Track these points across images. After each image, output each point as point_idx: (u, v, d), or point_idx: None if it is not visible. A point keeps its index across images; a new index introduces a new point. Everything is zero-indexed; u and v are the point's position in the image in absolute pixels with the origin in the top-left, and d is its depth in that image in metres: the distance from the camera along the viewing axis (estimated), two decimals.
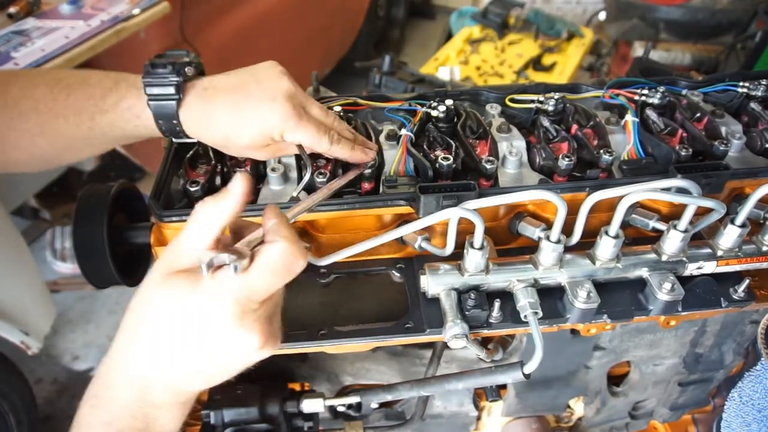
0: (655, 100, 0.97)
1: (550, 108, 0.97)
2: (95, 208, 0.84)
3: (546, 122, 0.96)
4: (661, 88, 0.99)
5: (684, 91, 1.04)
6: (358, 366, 1.13)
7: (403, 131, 0.91)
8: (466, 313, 0.78)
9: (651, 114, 0.96)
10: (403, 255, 0.90)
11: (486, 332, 0.82)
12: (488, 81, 2.90)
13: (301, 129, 0.77)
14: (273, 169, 0.87)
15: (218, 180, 0.88)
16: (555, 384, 1.13)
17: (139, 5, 1.98)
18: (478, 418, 1.25)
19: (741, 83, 1.03)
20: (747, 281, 0.83)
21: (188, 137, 0.80)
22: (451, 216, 0.74)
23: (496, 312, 0.79)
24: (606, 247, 0.78)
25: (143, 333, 0.55)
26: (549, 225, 0.81)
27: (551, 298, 0.82)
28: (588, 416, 1.27)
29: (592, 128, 0.94)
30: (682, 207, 0.76)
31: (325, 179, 0.83)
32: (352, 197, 0.84)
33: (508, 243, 0.91)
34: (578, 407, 1.28)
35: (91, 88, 0.77)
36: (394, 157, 0.88)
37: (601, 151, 0.87)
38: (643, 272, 0.81)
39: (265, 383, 1.05)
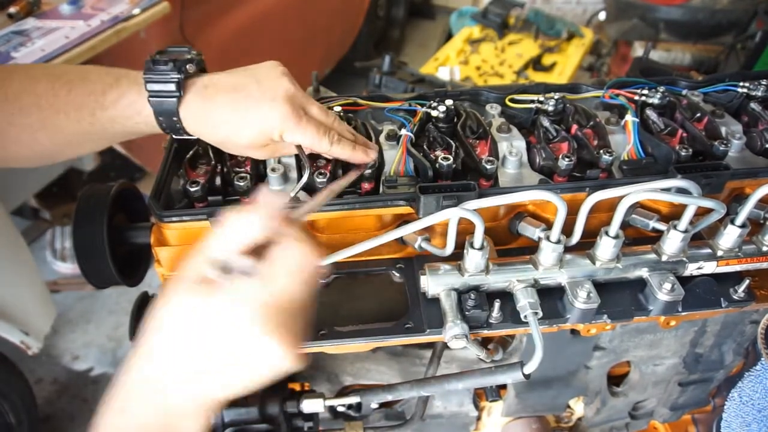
0: (655, 100, 0.97)
1: (550, 108, 0.97)
2: (95, 208, 0.84)
3: (546, 122, 0.96)
4: (661, 88, 0.99)
5: (684, 91, 1.04)
6: (358, 366, 1.13)
7: (403, 131, 0.91)
8: (466, 313, 0.78)
9: (651, 114, 0.96)
10: (403, 255, 0.90)
11: (486, 332, 0.82)
12: (488, 81, 2.90)
13: (300, 130, 0.77)
14: (273, 169, 0.87)
15: (218, 180, 0.88)
16: (555, 384, 1.13)
17: (139, 5, 1.98)
18: (478, 418, 1.25)
19: (741, 83, 1.03)
20: (747, 281, 0.83)
21: (188, 134, 0.80)
22: (451, 216, 0.74)
23: (496, 312, 0.79)
24: (606, 247, 0.78)
25: (165, 343, 0.54)
26: (549, 225, 0.81)
27: (551, 298, 0.82)
28: (588, 416, 1.27)
29: (592, 128, 0.94)
30: (682, 207, 0.76)
31: (325, 179, 0.83)
32: (352, 197, 0.84)
33: (508, 243, 0.91)
34: (578, 407, 1.28)
35: (92, 83, 0.76)
36: (394, 157, 0.88)
37: (601, 151, 0.87)
38: (643, 272, 0.81)
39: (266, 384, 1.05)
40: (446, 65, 2.92)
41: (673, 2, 3.11)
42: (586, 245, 0.81)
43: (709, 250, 0.82)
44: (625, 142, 0.93)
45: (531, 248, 0.83)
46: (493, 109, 1.01)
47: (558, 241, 0.77)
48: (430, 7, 5.47)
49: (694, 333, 1.09)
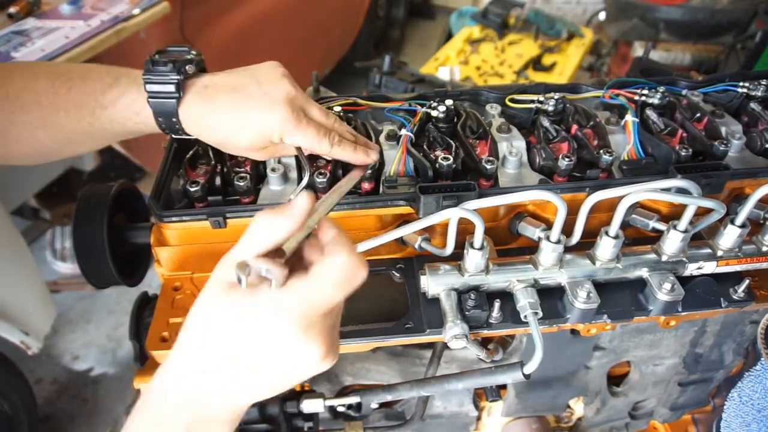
0: (655, 100, 0.97)
1: (550, 108, 0.97)
2: (95, 208, 0.84)
3: (546, 122, 0.96)
4: (661, 88, 0.99)
5: (684, 91, 1.04)
6: (358, 366, 1.13)
7: (403, 131, 0.91)
8: (466, 313, 0.78)
9: (651, 114, 0.96)
10: (403, 255, 0.90)
11: (486, 332, 0.82)
12: (488, 81, 2.90)
13: (300, 132, 0.77)
14: (273, 170, 0.87)
15: (218, 180, 0.88)
16: (555, 384, 1.13)
17: (139, 5, 1.98)
18: (478, 418, 1.25)
19: (741, 83, 1.03)
20: (747, 281, 0.83)
21: (188, 135, 0.79)
22: (451, 216, 0.74)
23: (496, 312, 0.79)
24: (606, 247, 0.78)
25: (201, 347, 0.54)
26: (549, 225, 0.81)
27: (551, 298, 0.82)
28: (588, 416, 1.27)
29: (592, 128, 0.94)
30: (682, 207, 0.76)
31: (325, 179, 0.83)
32: (352, 197, 0.84)
33: (508, 243, 0.91)
34: (578, 407, 1.28)
35: (92, 82, 0.76)
36: (394, 158, 0.88)
37: (601, 151, 0.87)
38: (643, 272, 0.81)
39: None
40: (446, 65, 2.92)
41: (673, 2, 3.11)
42: (586, 245, 0.81)
43: (709, 250, 0.82)
44: (625, 142, 0.93)
45: (531, 248, 0.83)
46: (493, 109, 1.01)
47: (558, 241, 0.77)
48: (430, 7, 5.47)
49: (694, 333, 1.09)
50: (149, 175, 2.78)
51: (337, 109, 0.97)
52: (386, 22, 4.64)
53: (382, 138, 0.92)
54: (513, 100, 1.01)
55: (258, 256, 0.52)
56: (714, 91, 1.04)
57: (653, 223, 0.85)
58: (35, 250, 2.79)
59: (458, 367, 1.11)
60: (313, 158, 0.87)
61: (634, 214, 0.87)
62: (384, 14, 4.53)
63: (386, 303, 0.92)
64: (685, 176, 0.79)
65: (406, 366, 1.13)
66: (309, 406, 1.01)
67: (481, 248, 0.76)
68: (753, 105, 0.99)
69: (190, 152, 0.90)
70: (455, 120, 0.96)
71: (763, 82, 1.02)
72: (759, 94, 1.01)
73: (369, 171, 0.85)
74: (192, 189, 0.83)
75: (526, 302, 0.78)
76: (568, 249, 0.79)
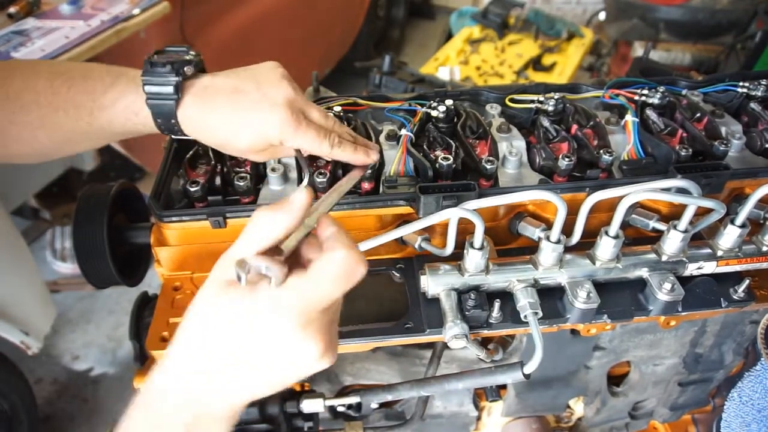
0: (655, 100, 0.97)
1: (550, 108, 0.97)
2: (95, 208, 0.84)
3: (546, 122, 0.96)
4: (661, 88, 0.99)
5: (684, 91, 1.04)
6: (358, 366, 1.13)
7: (403, 131, 0.91)
8: (466, 313, 0.78)
9: (651, 114, 0.96)
10: (403, 255, 0.90)
11: (486, 332, 0.82)
12: (488, 81, 2.90)
13: (300, 135, 0.77)
14: (273, 169, 0.87)
15: (218, 180, 0.88)
16: (555, 384, 1.13)
17: (139, 5, 1.98)
18: (478, 418, 1.25)
19: (741, 83, 1.03)
20: (747, 281, 0.83)
21: (187, 135, 0.79)
22: (451, 216, 0.74)
23: (496, 312, 0.79)
24: (606, 247, 0.78)
25: (201, 346, 0.54)
26: (549, 225, 0.81)
27: (551, 298, 0.82)
28: (588, 416, 1.27)
29: (592, 128, 0.94)
30: (682, 207, 0.76)
31: (325, 179, 0.83)
32: (352, 197, 0.84)
33: (508, 243, 0.91)
34: (578, 407, 1.28)
35: (91, 82, 0.76)
36: (394, 157, 0.88)
37: (601, 151, 0.87)
38: (643, 272, 0.81)
39: None
40: (446, 65, 2.92)
41: (673, 2, 3.11)
42: (586, 245, 0.81)
43: (709, 250, 0.82)
44: (625, 142, 0.93)
45: (531, 248, 0.83)
46: (493, 109, 1.01)
47: (558, 241, 0.77)
48: (430, 7, 5.47)
49: (694, 333, 1.09)
50: (149, 175, 2.78)
51: (337, 109, 0.97)
52: (386, 22, 4.65)
53: (382, 138, 0.92)
54: (513, 100, 1.01)
55: (257, 254, 0.52)
56: (714, 91, 1.04)
57: (653, 223, 0.85)
58: (35, 250, 2.79)
59: (458, 367, 1.11)
60: (313, 158, 0.87)
61: (634, 214, 0.87)
62: (384, 14, 4.53)
63: (386, 303, 0.92)
64: (685, 176, 0.79)
65: (406, 366, 1.13)
66: (309, 406, 1.01)
67: (481, 248, 0.76)
68: (753, 105, 0.99)
69: (190, 152, 0.90)
70: (455, 120, 0.96)
71: (763, 82, 1.02)
72: (759, 94, 1.01)
73: (369, 171, 0.85)
74: (192, 189, 0.83)
75: (526, 302, 0.78)
76: (568, 249, 0.79)
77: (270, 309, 0.51)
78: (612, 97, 1.01)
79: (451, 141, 0.90)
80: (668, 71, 1.17)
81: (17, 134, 0.77)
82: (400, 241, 0.87)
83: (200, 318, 0.54)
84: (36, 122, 0.76)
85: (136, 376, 0.85)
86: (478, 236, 0.75)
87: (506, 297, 0.80)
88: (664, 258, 0.81)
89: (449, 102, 0.96)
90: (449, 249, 0.80)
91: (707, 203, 0.72)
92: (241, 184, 0.84)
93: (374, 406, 1.17)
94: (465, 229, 0.78)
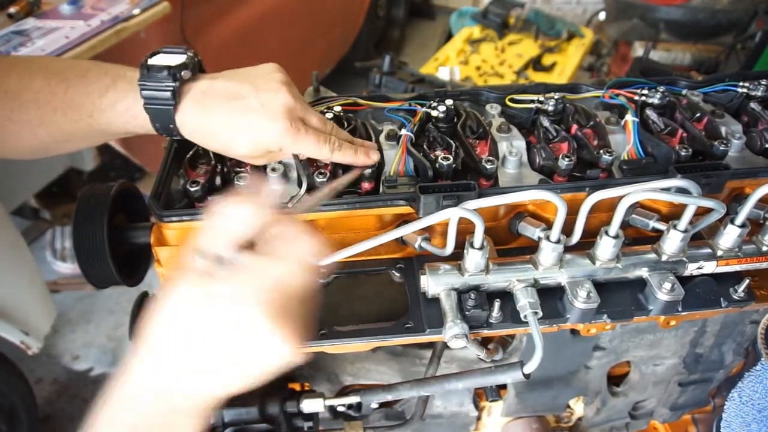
0: (655, 100, 0.97)
1: (550, 108, 0.97)
2: (95, 208, 0.84)
3: (546, 122, 0.96)
4: (661, 88, 0.99)
5: (684, 91, 1.04)
6: (358, 366, 1.13)
7: (403, 131, 0.91)
8: (466, 313, 0.78)
9: (651, 114, 0.96)
10: (403, 255, 0.90)
11: (486, 332, 0.82)
12: (488, 81, 2.90)
13: (300, 143, 0.76)
14: (273, 169, 0.87)
15: (218, 180, 0.88)
16: (555, 384, 1.13)
17: (139, 5, 1.98)
18: (478, 418, 1.25)
19: (741, 83, 1.03)
20: (747, 281, 0.83)
21: (186, 138, 0.79)
22: (451, 216, 0.74)
23: (496, 312, 0.79)
24: (606, 247, 0.78)
25: (167, 339, 0.54)
26: (549, 225, 0.81)
27: (551, 298, 0.82)
28: (588, 416, 1.27)
29: (592, 128, 0.94)
30: (682, 207, 0.76)
31: (325, 179, 0.83)
32: (352, 197, 0.84)
33: (508, 243, 0.91)
34: (578, 407, 1.28)
35: (89, 83, 0.76)
36: (394, 157, 0.88)
37: (601, 151, 0.87)
38: (643, 272, 0.81)
39: (265, 383, 1.05)
40: (446, 65, 2.92)
41: (673, 2, 3.11)
42: (586, 245, 0.81)
43: (709, 250, 0.82)
44: (625, 142, 0.93)
45: (531, 248, 0.83)
46: (493, 109, 1.01)
47: (558, 241, 0.77)
48: (430, 7, 5.47)
49: (694, 333, 1.09)
50: (149, 175, 2.78)
51: (337, 109, 0.97)
52: (386, 22, 4.65)
53: (382, 138, 0.92)
54: (513, 100, 1.01)
55: (230, 243, 0.52)
56: (714, 91, 1.04)
57: (653, 223, 0.85)
58: (35, 250, 2.79)
59: (458, 366, 1.11)
60: (313, 159, 0.87)
61: (634, 213, 0.86)
62: (384, 14, 4.53)
63: (386, 303, 0.92)
64: (685, 176, 0.79)
65: (406, 366, 1.13)
66: (309, 405, 1.01)
67: (481, 248, 0.76)
68: (753, 105, 0.99)
69: (190, 152, 0.90)
70: (455, 120, 0.96)
71: (763, 82, 1.02)
72: (759, 94, 1.01)
73: (369, 171, 0.85)
74: (192, 189, 0.83)
75: (526, 302, 0.78)
76: (568, 249, 0.79)
77: (231, 301, 0.51)
78: (612, 97, 1.01)
79: (451, 141, 0.90)
80: (668, 71, 1.17)
81: (16, 132, 0.77)
82: (400, 241, 0.87)
83: (165, 313, 0.54)
84: (35, 121, 0.76)
85: None
86: (478, 236, 0.75)
87: (506, 297, 0.80)
88: (664, 258, 0.81)
89: (449, 102, 0.96)
90: (449, 249, 0.80)
91: (707, 203, 0.72)
92: (241, 183, 0.84)
93: (374, 406, 1.17)
94: (465, 229, 0.77)
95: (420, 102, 0.99)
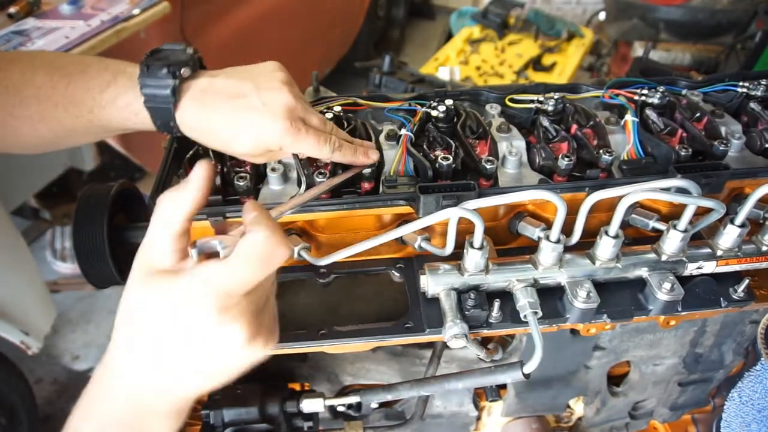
0: (655, 100, 0.97)
1: (550, 108, 0.97)
2: (95, 208, 0.84)
3: (546, 122, 0.96)
4: (661, 88, 0.99)
5: (684, 91, 1.04)
6: (358, 366, 1.13)
7: (403, 131, 0.91)
8: (466, 313, 0.78)
9: (651, 114, 0.96)
10: (403, 255, 0.90)
11: (486, 332, 0.82)
12: (488, 81, 2.90)
13: (300, 143, 0.76)
14: (273, 169, 0.87)
15: (218, 180, 0.88)
16: (555, 384, 1.13)
17: (139, 5, 1.98)
18: (478, 418, 1.25)
19: (741, 83, 1.03)
20: (746, 281, 0.83)
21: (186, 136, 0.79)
22: (450, 216, 0.74)
23: (495, 312, 0.79)
24: (606, 247, 0.78)
25: (130, 338, 0.54)
26: (549, 225, 0.81)
27: (551, 298, 0.82)
28: (588, 416, 1.27)
29: (591, 128, 0.94)
30: (682, 207, 0.76)
31: (325, 179, 0.83)
32: (351, 197, 0.84)
33: (508, 243, 0.91)
34: (578, 407, 1.28)
35: (90, 79, 0.76)
36: (394, 157, 0.88)
37: (601, 151, 0.87)
38: (643, 272, 0.81)
39: (265, 383, 1.06)
40: (446, 65, 2.92)
41: (673, 2, 3.11)
42: (586, 245, 0.81)
43: (708, 250, 0.82)
44: (624, 141, 0.93)
45: (531, 248, 0.83)
46: (493, 109, 1.01)
47: (558, 241, 0.77)
48: (430, 7, 5.47)
49: (694, 333, 1.09)
50: (149, 175, 2.78)
51: (337, 109, 0.97)
52: (386, 22, 4.65)
53: (382, 138, 0.92)
54: (513, 100, 1.01)
55: (176, 234, 0.53)
56: (714, 91, 1.04)
57: (653, 223, 0.85)
58: (35, 250, 2.79)
59: (458, 366, 1.11)
60: (313, 158, 0.87)
61: (633, 213, 0.87)
62: (384, 14, 4.53)
63: (386, 303, 0.92)
64: (685, 176, 0.79)
65: (406, 366, 1.13)
66: (309, 405, 1.01)
67: (481, 248, 0.76)
68: (753, 105, 0.99)
69: (190, 152, 0.90)
70: (455, 120, 0.96)
71: (763, 82, 1.02)
72: (759, 94, 1.01)
73: (369, 171, 0.85)
74: None
75: (525, 302, 0.78)
76: (567, 249, 0.79)
77: (186, 297, 0.51)
78: (612, 97, 1.01)
79: (451, 141, 0.90)
80: (668, 71, 1.17)
81: (17, 127, 0.77)
82: (400, 241, 0.87)
83: (128, 313, 0.54)
84: (36, 116, 0.76)
85: None
86: (478, 236, 0.75)
87: (506, 297, 0.80)
88: (663, 258, 0.81)
89: (449, 102, 0.96)
90: (449, 249, 0.80)
91: (707, 203, 0.72)
92: (241, 184, 0.84)
93: (374, 405, 1.17)
94: (465, 229, 0.78)
95: (420, 102, 0.99)
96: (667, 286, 0.79)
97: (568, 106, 0.98)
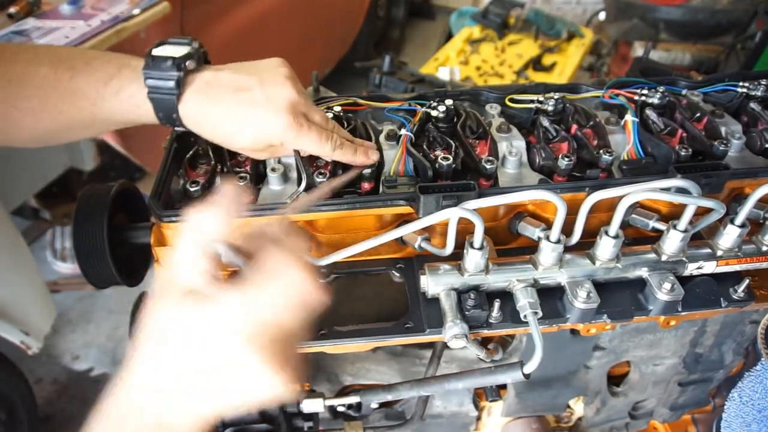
0: (655, 100, 0.97)
1: (550, 108, 0.97)
2: (95, 208, 0.84)
3: (546, 122, 0.96)
4: (661, 88, 0.99)
5: (684, 91, 1.04)
6: (358, 366, 1.13)
7: (403, 131, 0.91)
8: (466, 313, 0.78)
9: (651, 114, 0.96)
10: (403, 255, 0.90)
11: (486, 332, 0.82)
12: (488, 81, 2.90)
13: (302, 138, 0.76)
14: (273, 169, 0.87)
15: (218, 180, 0.88)
16: (555, 384, 1.13)
17: (139, 5, 1.98)
18: (478, 418, 1.25)
19: (741, 83, 1.03)
20: (747, 281, 0.83)
21: (189, 129, 0.79)
22: (450, 216, 0.74)
23: (495, 312, 0.79)
24: (606, 247, 0.78)
25: (157, 356, 0.53)
26: (549, 225, 0.81)
27: (551, 298, 0.82)
28: (588, 416, 1.27)
29: (591, 128, 0.94)
30: (682, 207, 0.76)
31: (325, 179, 0.83)
32: (352, 197, 0.84)
33: (508, 243, 0.91)
34: (578, 407, 1.28)
35: (94, 71, 0.76)
36: (394, 157, 0.88)
37: (601, 151, 0.87)
38: (643, 272, 0.81)
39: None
40: (446, 65, 2.92)
41: (673, 2, 3.11)
42: (586, 245, 0.81)
43: (708, 250, 0.82)
44: (624, 142, 0.93)
45: (531, 248, 0.83)
46: (493, 109, 1.01)
47: (558, 241, 0.77)
48: (430, 7, 5.47)
49: (694, 333, 1.09)
50: (149, 175, 2.78)
51: (337, 109, 0.97)
52: (386, 22, 4.65)
53: (382, 138, 0.92)
54: (513, 100, 1.01)
55: (206, 255, 0.52)
56: (714, 91, 1.04)
57: (653, 223, 0.85)
58: (35, 250, 2.79)
59: (458, 366, 1.11)
60: (313, 158, 0.87)
61: (633, 213, 0.87)
62: (384, 14, 4.53)
63: (386, 303, 0.92)
64: (685, 176, 0.79)
65: (406, 366, 1.13)
66: (309, 405, 1.01)
67: (481, 248, 0.76)
68: (753, 105, 0.99)
69: (190, 152, 0.90)
70: (455, 120, 0.96)
71: (763, 82, 1.02)
72: (759, 94, 1.01)
73: (369, 171, 0.85)
74: (192, 189, 0.83)
75: (525, 302, 0.78)
76: (567, 249, 0.79)
77: (221, 323, 0.51)
78: (612, 97, 1.01)
79: (451, 141, 0.91)
80: (668, 71, 1.17)
81: (19, 120, 0.77)
82: (400, 241, 0.87)
83: (158, 331, 0.53)
84: (38, 108, 0.76)
85: None
86: (478, 236, 0.75)
87: (506, 297, 0.80)
88: (663, 258, 0.81)
89: (449, 102, 0.96)
90: (449, 249, 0.80)
91: (707, 203, 0.72)
92: (241, 184, 0.84)
93: (374, 406, 1.17)
94: (465, 229, 0.78)
95: (420, 102, 0.99)
96: (667, 286, 0.79)
97: (568, 106, 0.98)
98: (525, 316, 0.78)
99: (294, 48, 3.23)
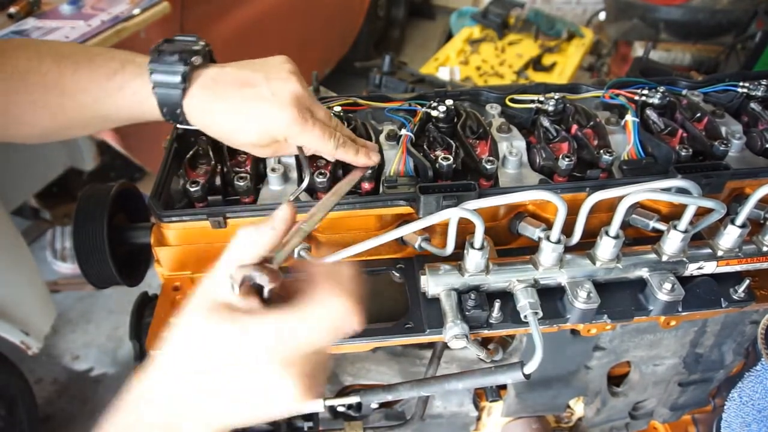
0: (655, 100, 0.97)
1: (550, 108, 0.97)
2: (95, 208, 0.84)
3: (546, 122, 0.96)
4: (661, 88, 0.99)
5: (684, 91, 1.04)
6: (358, 366, 1.13)
7: (403, 131, 0.91)
8: (466, 313, 0.78)
9: (651, 114, 0.96)
10: (403, 255, 0.90)
11: (486, 332, 0.82)
12: (488, 81, 2.90)
13: (306, 134, 0.76)
14: (273, 169, 0.87)
15: (218, 180, 0.88)
16: (555, 384, 1.13)
17: (140, 5, 1.98)
18: (478, 418, 1.25)
19: (741, 83, 1.03)
20: (747, 281, 0.83)
21: (192, 125, 0.79)
22: (451, 216, 0.74)
23: (496, 312, 0.79)
24: (606, 247, 0.78)
25: (183, 364, 0.53)
26: (549, 225, 0.81)
27: (551, 298, 0.82)
28: (588, 416, 1.27)
29: (592, 128, 0.94)
30: (682, 207, 0.76)
31: (325, 179, 0.83)
32: (352, 197, 0.84)
33: (508, 243, 0.91)
34: (578, 407, 1.28)
35: (97, 67, 0.75)
36: (394, 157, 0.88)
37: (601, 151, 0.87)
38: (643, 272, 0.81)
39: None
40: (446, 65, 2.92)
41: (673, 2, 3.11)
42: (586, 245, 0.81)
43: (709, 250, 0.82)
44: (625, 142, 0.93)
45: (531, 248, 0.83)
46: (493, 109, 1.01)
47: (558, 241, 0.77)
48: (430, 7, 5.47)
49: (694, 333, 1.09)
50: (149, 175, 2.78)
51: (337, 109, 0.97)
52: (386, 22, 4.64)
53: (382, 138, 0.92)
54: (513, 100, 1.01)
55: (249, 264, 0.52)
56: (714, 91, 1.04)
57: (653, 223, 0.85)
58: (35, 250, 2.79)
59: (458, 367, 1.11)
60: (314, 158, 0.87)
61: (634, 214, 0.86)
62: (384, 14, 4.52)
63: (386, 303, 0.92)
64: (685, 176, 0.79)
65: (406, 366, 1.13)
66: (309, 405, 1.01)
67: (481, 248, 0.76)
68: (753, 105, 0.99)
69: (191, 152, 0.90)
70: (455, 120, 0.96)
71: (763, 82, 1.02)
72: (759, 94, 1.01)
73: (369, 171, 0.85)
74: (192, 189, 0.83)
75: (526, 302, 0.78)
76: (568, 249, 0.79)
77: (254, 341, 0.51)
78: (612, 97, 1.01)
79: (451, 141, 0.91)
80: (668, 71, 1.17)
81: (20, 115, 0.76)
82: (400, 241, 0.87)
83: (187, 339, 0.54)
84: (40, 103, 0.75)
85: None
86: (478, 236, 0.75)
87: (506, 297, 0.80)
88: (664, 258, 0.81)
89: (449, 102, 0.96)
90: (449, 249, 0.80)
91: (707, 203, 0.72)
92: (241, 184, 0.84)
93: (374, 406, 1.17)
94: (465, 229, 0.78)
95: (420, 102, 0.99)
96: (667, 286, 0.79)
97: (568, 106, 0.98)
98: (525, 317, 0.78)
99: (294, 48, 3.23)
